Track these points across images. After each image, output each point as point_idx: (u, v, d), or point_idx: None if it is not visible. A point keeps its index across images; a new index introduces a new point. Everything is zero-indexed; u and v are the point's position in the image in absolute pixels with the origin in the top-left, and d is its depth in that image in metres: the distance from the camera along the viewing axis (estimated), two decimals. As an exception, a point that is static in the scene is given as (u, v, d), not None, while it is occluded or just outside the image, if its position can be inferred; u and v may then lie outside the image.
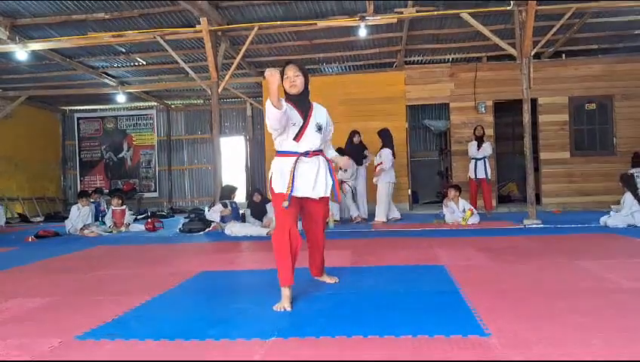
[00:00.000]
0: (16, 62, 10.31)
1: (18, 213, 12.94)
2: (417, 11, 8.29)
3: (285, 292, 3.21)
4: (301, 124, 3.39)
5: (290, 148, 3.39)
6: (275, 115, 3.17)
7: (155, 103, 14.97)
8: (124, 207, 9.15)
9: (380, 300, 3.28)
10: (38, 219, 12.77)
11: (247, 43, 8.82)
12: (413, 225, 8.11)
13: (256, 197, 8.20)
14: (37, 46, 9.13)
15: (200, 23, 8.33)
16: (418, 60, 11.83)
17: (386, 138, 8.99)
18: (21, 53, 9.20)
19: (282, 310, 3.07)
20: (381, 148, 8.89)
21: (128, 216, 9.14)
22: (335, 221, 8.48)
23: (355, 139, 9.09)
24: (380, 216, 8.83)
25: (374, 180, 8.92)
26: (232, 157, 14.71)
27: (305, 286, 3.64)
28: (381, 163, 8.77)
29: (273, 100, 3.12)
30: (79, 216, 8.71)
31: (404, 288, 3.62)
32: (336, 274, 3.99)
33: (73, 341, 2.65)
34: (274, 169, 3.44)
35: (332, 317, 2.92)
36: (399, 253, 5.31)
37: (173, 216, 12.35)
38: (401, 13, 8.33)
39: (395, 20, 8.54)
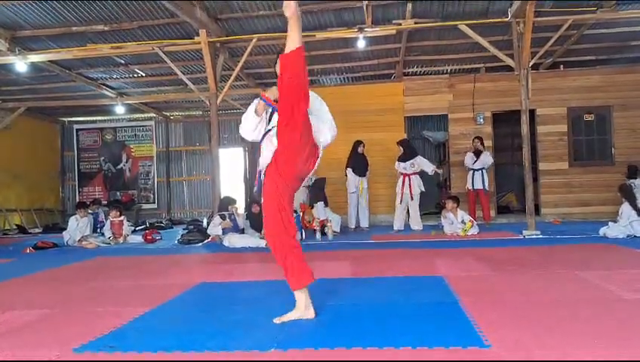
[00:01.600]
0: (15, 73, 10.34)
1: (16, 224, 12.90)
2: (416, 23, 8.34)
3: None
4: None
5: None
6: (254, 120, 3.24)
7: (154, 115, 15.00)
8: (122, 218, 9.13)
9: (380, 311, 3.27)
10: (37, 230, 12.73)
11: (246, 54, 8.86)
12: (412, 236, 8.10)
13: (255, 208, 8.18)
14: (37, 58, 9.16)
15: (199, 35, 8.36)
16: (417, 72, 11.88)
17: (411, 147, 9.28)
18: (21, 64, 9.22)
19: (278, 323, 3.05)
20: (410, 158, 9.02)
21: (126, 228, 9.13)
22: (334, 233, 8.46)
23: (360, 150, 9.26)
24: (419, 225, 9.01)
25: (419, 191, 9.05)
26: (230, 168, 14.70)
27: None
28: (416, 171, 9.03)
29: (260, 108, 3.15)
30: (77, 227, 8.69)
31: (403, 299, 3.60)
32: (336, 285, 3.98)
33: (71, 353, 2.63)
34: None
35: (331, 328, 2.91)
36: (398, 264, 5.29)
37: (172, 228, 12.31)
38: (400, 24, 8.38)
39: (393, 32, 8.59)
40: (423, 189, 9.12)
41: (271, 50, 10.00)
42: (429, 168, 9.06)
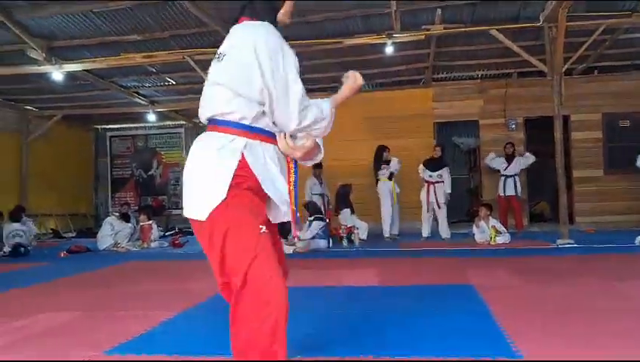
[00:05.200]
0: (52, 82, 10.61)
1: (51, 229, 13.24)
2: (445, 28, 8.26)
3: None
4: None
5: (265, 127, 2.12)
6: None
7: (184, 122, 15.20)
8: (150, 222, 9.24)
9: (407, 319, 3.22)
10: (70, 234, 13.03)
11: (274, 62, 8.88)
12: (441, 244, 8.00)
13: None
14: (72, 67, 9.38)
15: (228, 43, 8.44)
16: (446, 77, 11.75)
17: (444, 155, 9.34)
18: (57, 74, 9.45)
19: None
20: (441, 167, 8.99)
21: (155, 232, 9.24)
22: (361, 240, 8.41)
23: (385, 156, 9.11)
24: (448, 233, 8.93)
25: (445, 200, 8.95)
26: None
27: (330, 304, 3.59)
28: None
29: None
30: (119, 232, 8.83)
31: (431, 307, 3.55)
32: (363, 293, 3.94)
33: (102, 355, 2.67)
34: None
35: (358, 336, 2.88)
36: (427, 272, 5.23)
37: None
38: (429, 30, 8.31)
39: (422, 37, 8.53)
40: (449, 191, 8.95)
41: (299, 57, 9.97)
42: (447, 187, 8.92)
